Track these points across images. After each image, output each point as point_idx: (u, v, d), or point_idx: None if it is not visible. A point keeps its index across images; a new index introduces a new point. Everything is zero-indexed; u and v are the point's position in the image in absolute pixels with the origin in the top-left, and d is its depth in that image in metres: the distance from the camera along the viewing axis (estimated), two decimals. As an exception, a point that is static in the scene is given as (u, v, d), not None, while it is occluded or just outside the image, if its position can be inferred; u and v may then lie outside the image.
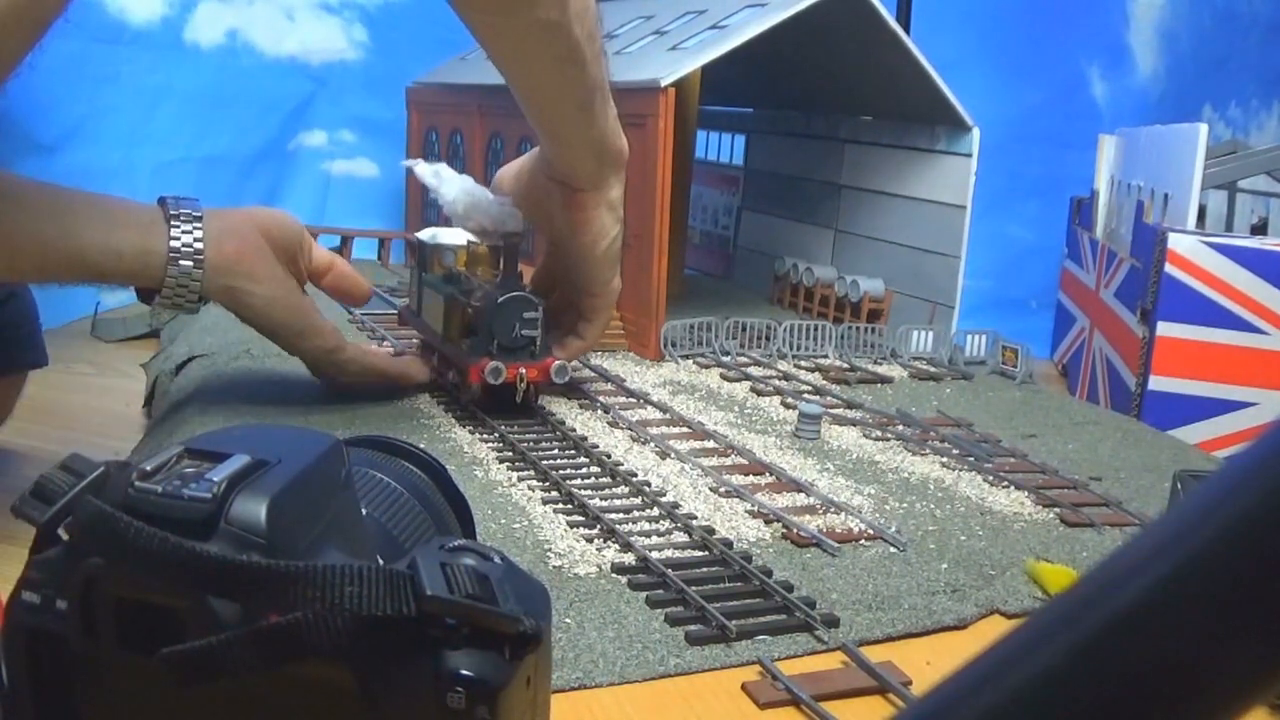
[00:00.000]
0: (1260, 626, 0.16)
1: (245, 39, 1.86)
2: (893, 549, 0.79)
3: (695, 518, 0.82)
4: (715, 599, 0.68)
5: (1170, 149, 1.40)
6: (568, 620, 0.65)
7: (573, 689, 0.59)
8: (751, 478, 0.92)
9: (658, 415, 1.09)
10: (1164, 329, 1.24)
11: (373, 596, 0.33)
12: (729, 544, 0.77)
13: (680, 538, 0.78)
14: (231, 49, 1.84)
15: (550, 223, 1.09)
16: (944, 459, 1.00)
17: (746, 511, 0.84)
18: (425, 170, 1.16)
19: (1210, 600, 0.17)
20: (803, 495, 0.89)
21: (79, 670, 0.35)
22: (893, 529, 0.82)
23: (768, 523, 0.82)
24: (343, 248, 1.86)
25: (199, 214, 0.91)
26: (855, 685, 0.61)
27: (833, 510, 0.86)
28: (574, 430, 1.01)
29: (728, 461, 0.96)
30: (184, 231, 0.89)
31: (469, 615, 0.34)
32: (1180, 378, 1.24)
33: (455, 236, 1.13)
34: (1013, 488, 0.94)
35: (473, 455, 0.94)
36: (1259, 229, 1.63)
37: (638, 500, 0.85)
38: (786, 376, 1.28)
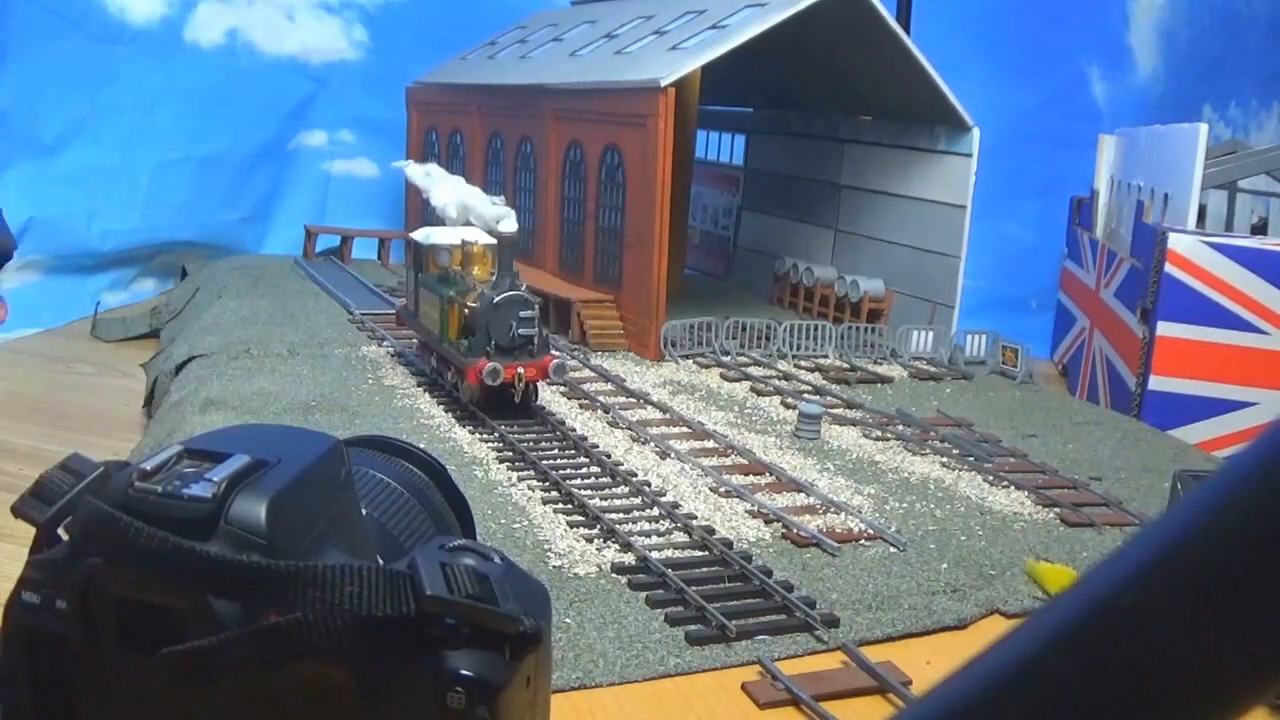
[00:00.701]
0: (1261, 627, 0.16)
1: (245, 39, 1.86)
2: (893, 549, 0.79)
3: (695, 518, 0.82)
4: (715, 599, 0.68)
5: (1170, 149, 1.40)
6: (568, 620, 0.65)
7: (573, 689, 0.59)
8: (751, 478, 0.92)
9: (658, 415, 1.09)
10: (1164, 329, 1.24)
11: (373, 596, 0.33)
12: (729, 544, 0.77)
13: (680, 538, 0.78)
14: (231, 49, 1.85)
15: None
16: (944, 459, 1.00)
17: (746, 511, 0.84)
18: (416, 171, 1.16)
19: (1211, 601, 0.17)
20: (803, 495, 0.89)
21: (79, 670, 0.35)
22: (893, 529, 0.82)
23: (768, 523, 0.82)
24: (343, 247, 1.86)
25: None
26: (855, 685, 0.61)
27: (833, 510, 0.86)
28: (574, 430, 1.01)
29: (728, 461, 0.96)
30: None
31: (469, 615, 0.33)
32: (1180, 377, 1.24)
33: (450, 236, 1.13)
34: (1013, 488, 0.94)
35: (473, 455, 0.94)
36: (1259, 229, 1.63)
37: (638, 500, 0.85)
38: (786, 376, 1.28)
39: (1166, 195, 1.37)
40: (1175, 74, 2.32)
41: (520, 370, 1.01)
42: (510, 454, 0.94)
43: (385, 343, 1.30)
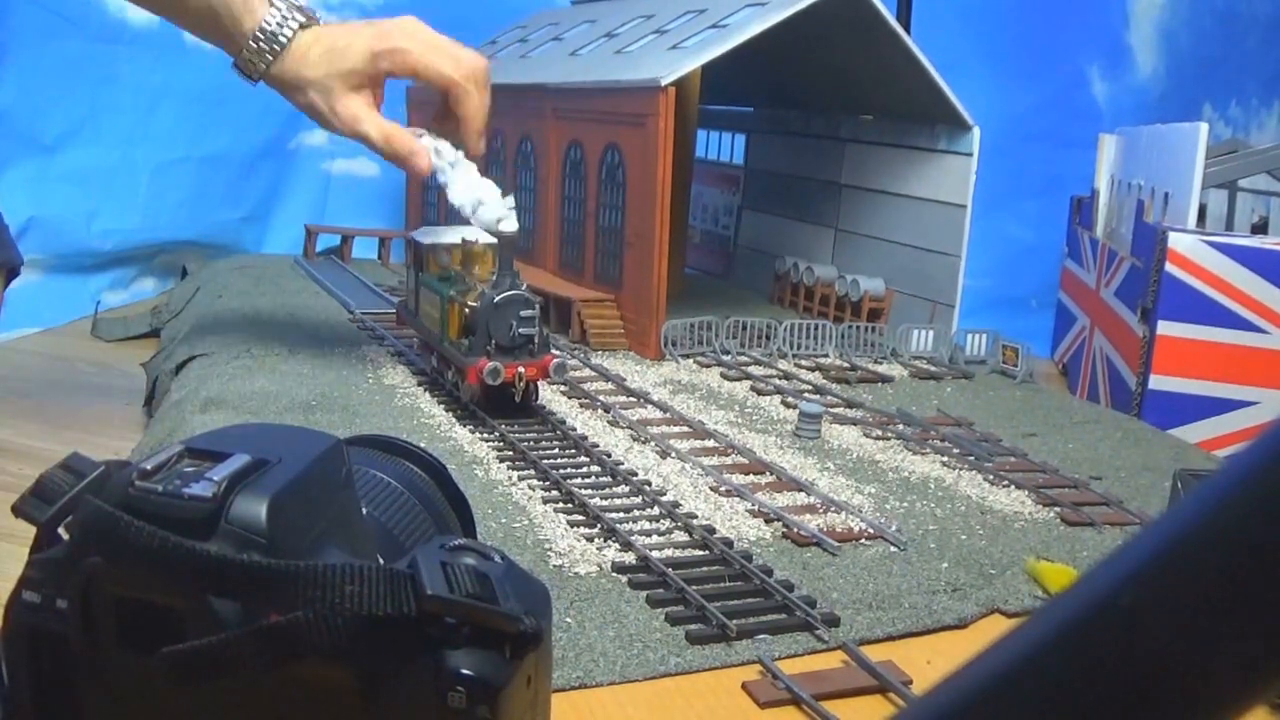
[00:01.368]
0: (1261, 626, 0.16)
1: (245, 38, 1.86)
2: (893, 548, 0.79)
3: (695, 517, 0.82)
4: (715, 598, 0.68)
5: (1170, 148, 1.40)
6: (568, 619, 0.65)
7: (573, 688, 0.59)
8: (752, 477, 0.92)
9: (658, 414, 1.09)
10: (1164, 328, 1.24)
11: (373, 596, 0.33)
12: (729, 543, 0.77)
13: (680, 537, 0.78)
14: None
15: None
16: (944, 458, 1.00)
17: (747, 511, 0.84)
18: (428, 144, 1.14)
19: (1211, 600, 0.17)
20: (803, 494, 0.89)
21: (79, 669, 0.35)
22: (893, 528, 0.82)
23: (768, 522, 0.82)
24: (343, 247, 1.86)
25: (304, 20, 1.04)
26: (856, 684, 0.61)
27: (833, 509, 0.86)
28: (574, 429, 1.01)
29: (728, 461, 0.96)
30: (280, 22, 1.03)
31: (469, 614, 0.33)
32: (1180, 377, 1.24)
33: (450, 235, 1.13)
34: (1013, 487, 0.94)
35: (473, 454, 0.94)
36: (1259, 228, 1.63)
37: (638, 499, 0.85)
38: (787, 376, 1.28)
39: (1167, 194, 1.37)
40: (1175, 73, 2.32)
41: (521, 370, 1.01)
42: (510, 453, 0.94)
43: (385, 342, 1.30)
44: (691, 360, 1.32)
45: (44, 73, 1.65)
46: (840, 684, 0.61)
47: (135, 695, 0.35)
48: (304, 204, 1.94)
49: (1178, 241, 1.24)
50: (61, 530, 0.35)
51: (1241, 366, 1.22)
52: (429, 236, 1.15)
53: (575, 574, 0.71)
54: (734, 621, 0.65)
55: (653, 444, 0.99)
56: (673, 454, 0.96)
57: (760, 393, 1.21)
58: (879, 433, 1.07)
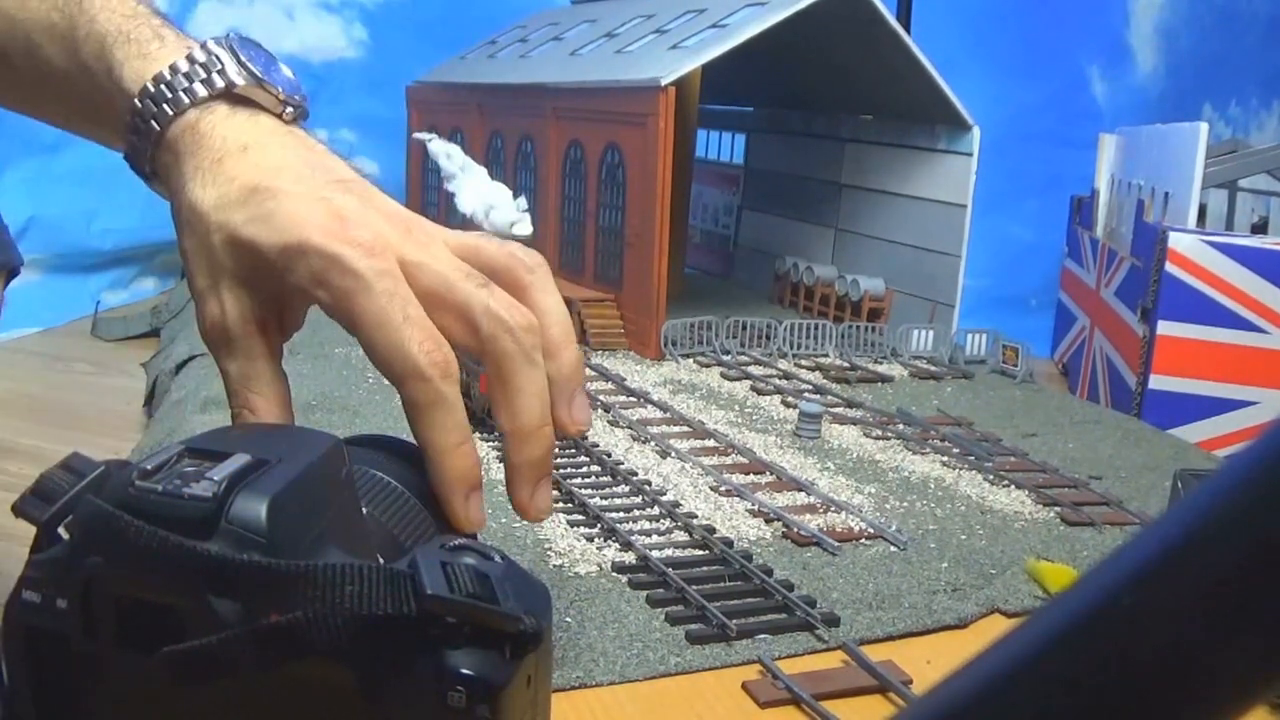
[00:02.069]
0: (1261, 626, 0.16)
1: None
2: (893, 548, 0.79)
3: (695, 516, 0.82)
4: (715, 598, 0.68)
5: (1170, 148, 1.40)
6: (568, 619, 0.65)
7: (573, 688, 0.59)
8: (752, 477, 0.92)
9: (658, 414, 1.09)
10: (1164, 328, 1.24)
11: (373, 596, 0.33)
12: (729, 543, 0.77)
13: (680, 536, 0.78)
14: (232, 48, 1.84)
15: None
16: (944, 458, 1.00)
17: (747, 510, 0.84)
18: (439, 149, 1.13)
19: (1212, 599, 0.17)
20: (803, 494, 0.89)
21: (79, 669, 0.35)
22: (893, 528, 0.82)
23: (768, 521, 0.82)
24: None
25: (246, 85, 0.57)
26: (856, 684, 0.61)
27: (833, 509, 0.86)
28: (574, 429, 1.01)
29: (728, 460, 0.96)
30: (199, 68, 0.57)
31: (470, 614, 0.34)
32: (1181, 376, 1.24)
33: None
34: (1013, 487, 0.94)
35: (473, 454, 0.94)
36: (1259, 228, 1.63)
37: (638, 499, 0.85)
38: (787, 375, 1.28)
39: (1167, 194, 1.37)
40: (1176, 73, 2.32)
41: None
42: (510, 453, 0.94)
43: (385, 342, 1.30)
44: (691, 360, 1.32)
45: (44, 72, 1.65)
46: (840, 684, 0.61)
47: (135, 695, 0.35)
48: (304, 204, 1.94)
49: (1178, 241, 1.23)
50: (61, 530, 0.35)
51: (1241, 366, 1.22)
52: None
53: (575, 574, 0.71)
54: (734, 621, 0.65)
55: (653, 444, 0.99)
56: (673, 454, 0.96)
57: (760, 392, 1.21)
58: (879, 432, 1.07)
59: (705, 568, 0.73)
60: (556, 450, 0.95)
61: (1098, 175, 1.70)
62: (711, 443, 1.01)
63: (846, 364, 1.35)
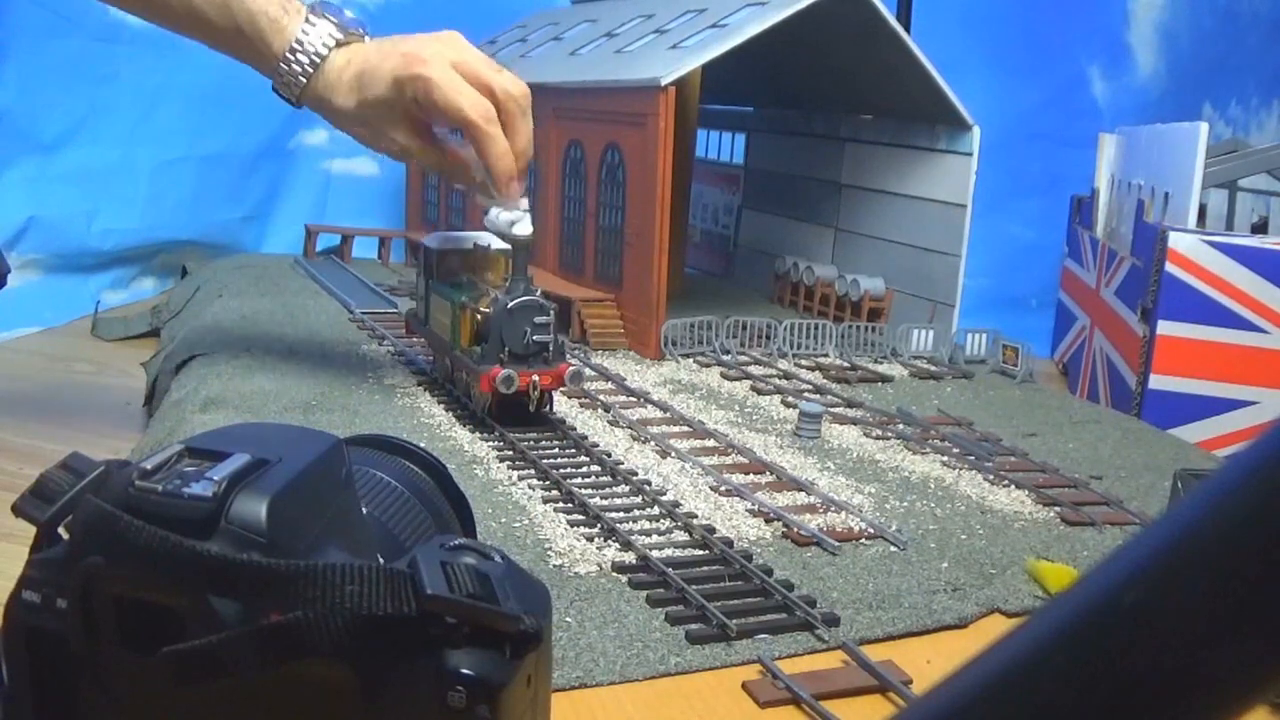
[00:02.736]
0: (1261, 625, 0.16)
1: (245, 38, 1.86)
2: (893, 548, 0.79)
3: (695, 516, 0.82)
4: (715, 598, 0.68)
5: (1171, 147, 1.40)
6: (568, 619, 0.65)
7: (573, 688, 0.59)
8: (752, 476, 0.92)
9: (658, 414, 1.09)
10: (1164, 328, 1.24)
11: (373, 595, 0.33)
12: (729, 543, 0.77)
13: (680, 536, 0.78)
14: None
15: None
16: (944, 458, 1.00)
17: (747, 510, 0.84)
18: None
19: (1211, 599, 0.17)
20: (803, 494, 0.89)
21: (79, 669, 0.35)
22: (893, 528, 0.82)
23: (768, 521, 0.82)
24: (343, 246, 1.86)
25: (342, 37, 1.00)
26: (856, 684, 0.61)
27: (833, 509, 0.86)
28: (574, 429, 1.01)
29: (728, 460, 0.96)
30: (314, 35, 0.99)
31: (469, 614, 0.33)
32: (1181, 376, 1.24)
33: (462, 241, 1.11)
34: (1013, 486, 0.94)
35: (473, 454, 0.94)
36: (1259, 228, 1.63)
37: (638, 499, 0.85)
38: (787, 375, 1.28)
39: (1167, 194, 1.37)
40: (1176, 72, 2.32)
41: (535, 378, 0.98)
42: (510, 453, 0.94)
43: (385, 342, 1.30)
44: (691, 360, 1.32)
45: (44, 72, 1.65)
46: (840, 684, 0.61)
47: (135, 695, 0.35)
48: (304, 203, 1.94)
49: (1178, 241, 1.24)
50: (61, 530, 0.35)
51: (1241, 366, 1.22)
52: (440, 242, 1.12)
53: (575, 574, 0.71)
54: (734, 621, 0.65)
55: (653, 443, 0.99)
56: (673, 453, 0.96)
57: (760, 392, 1.21)
58: (879, 432, 1.07)
59: (705, 568, 0.73)
60: (556, 450, 0.95)
61: (1098, 175, 1.70)
62: (711, 443, 1.01)
63: (846, 364, 1.35)
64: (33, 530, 0.36)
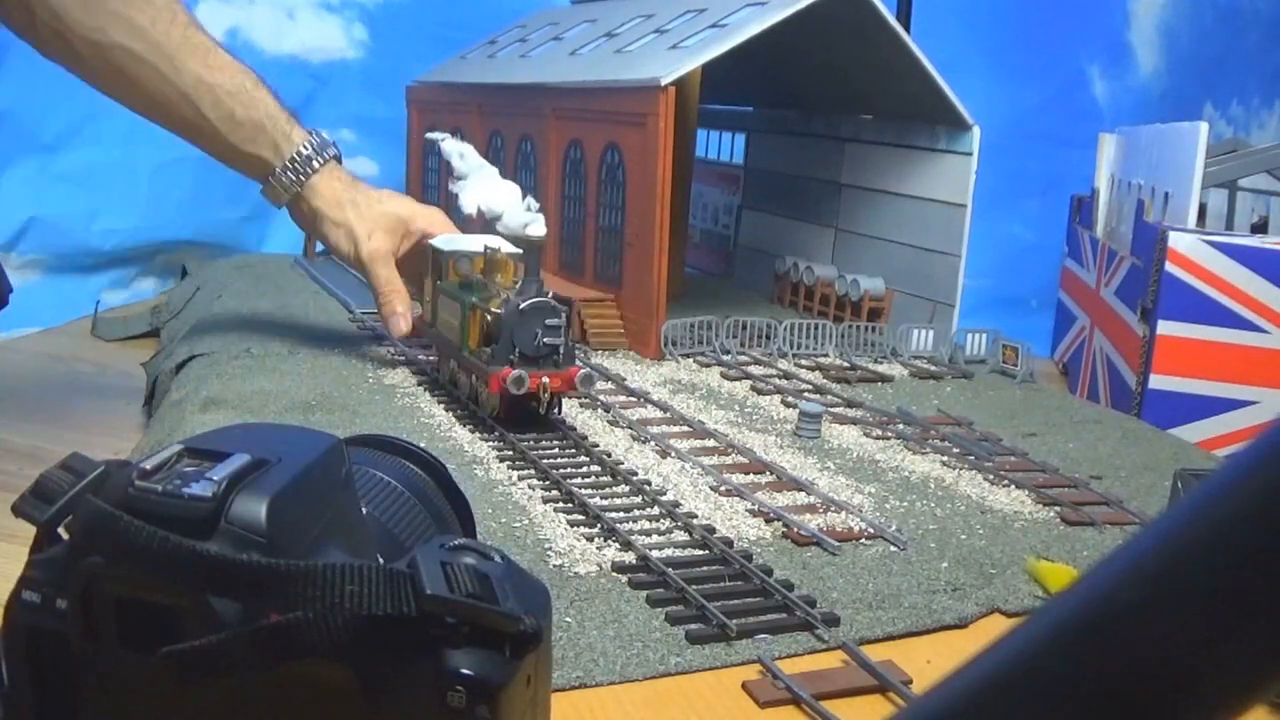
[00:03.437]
0: (1261, 625, 0.16)
1: (245, 38, 1.86)
2: (893, 548, 0.79)
3: (695, 516, 0.82)
4: (715, 598, 0.68)
5: (1171, 147, 1.40)
6: (568, 619, 0.65)
7: (573, 688, 0.59)
8: (752, 476, 0.92)
9: (658, 414, 1.09)
10: (1164, 327, 1.24)
11: (373, 595, 0.33)
12: (729, 543, 0.77)
13: (680, 536, 0.78)
14: (232, 48, 1.82)
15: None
16: (944, 458, 1.00)
17: (747, 510, 0.84)
18: (452, 149, 1.12)
19: (1212, 598, 0.17)
20: (803, 494, 0.89)
21: (79, 669, 0.35)
22: (893, 528, 0.82)
23: (768, 521, 0.82)
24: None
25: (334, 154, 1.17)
26: (856, 684, 0.61)
27: (833, 509, 0.86)
28: (574, 429, 1.01)
29: (728, 460, 0.96)
30: (315, 150, 1.14)
31: (469, 614, 0.33)
32: (1181, 376, 1.24)
33: (472, 243, 1.10)
34: (1013, 486, 0.94)
35: (473, 454, 0.94)
36: (1259, 228, 1.63)
37: (638, 499, 0.85)
38: (787, 375, 1.28)
39: (1167, 194, 1.37)
40: (1176, 72, 2.32)
41: (545, 380, 0.97)
42: (510, 453, 0.94)
43: (385, 342, 1.30)
44: (691, 360, 1.32)
45: (44, 73, 1.65)
46: (840, 684, 0.61)
47: (135, 695, 0.35)
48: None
49: (1178, 241, 1.24)
50: (61, 530, 0.35)
51: (1241, 366, 1.22)
52: (450, 244, 1.12)
53: (575, 574, 0.71)
54: (734, 621, 0.65)
55: (653, 443, 0.99)
56: (673, 453, 0.96)
57: (760, 392, 1.20)
58: (879, 432, 1.07)
59: (705, 568, 0.73)
60: (556, 450, 0.95)
61: (1098, 175, 1.70)
62: (711, 443, 1.01)
63: (846, 364, 1.35)
64: (33, 530, 0.36)
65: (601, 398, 1.12)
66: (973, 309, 1.54)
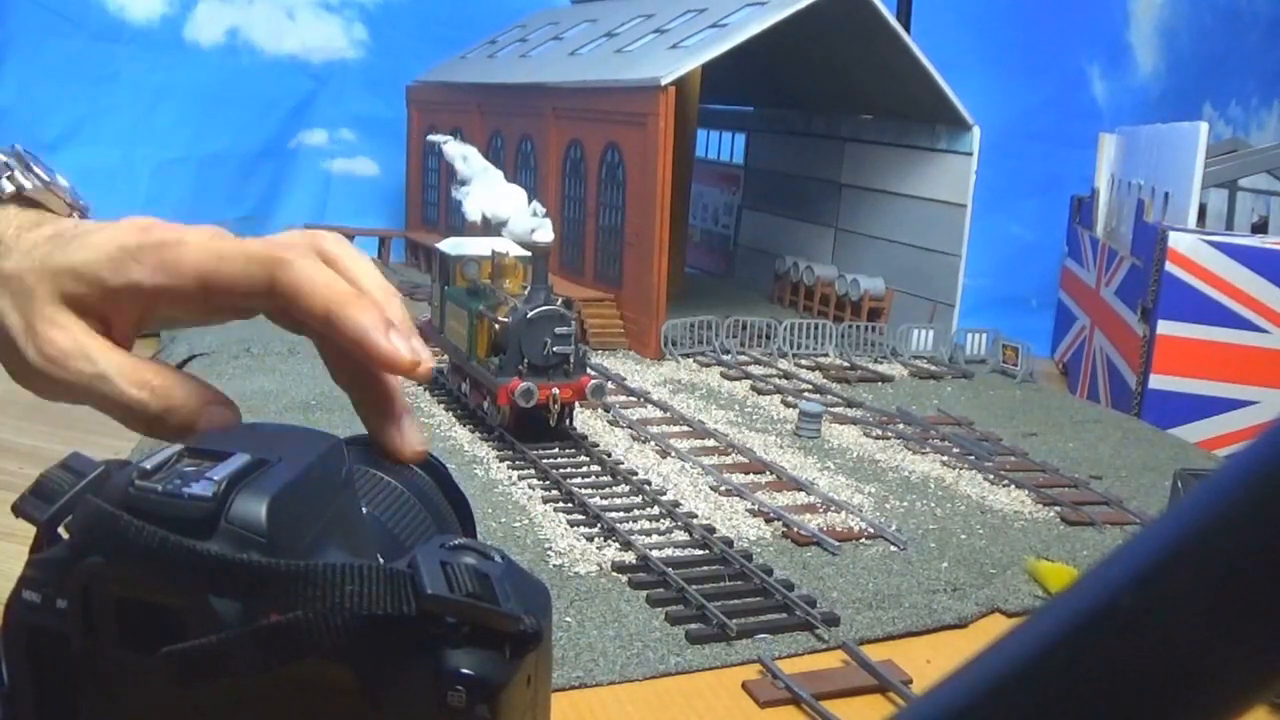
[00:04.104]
0: (1261, 625, 0.16)
1: (245, 38, 1.86)
2: (893, 547, 0.79)
3: (695, 516, 0.82)
4: (715, 598, 0.68)
5: (1170, 147, 1.40)
6: (568, 619, 0.65)
7: (573, 687, 0.59)
8: (752, 476, 0.92)
9: (658, 414, 1.09)
10: (1164, 327, 1.24)
11: (373, 595, 0.33)
12: (729, 543, 0.77)
13: (680, 536, 0.78)
14: (232, 48, 1.84)
15: None
16: (944, 457, 1.00)
17: (747, 510, 0.84)
18: (455, 151, 1.11)
19: (1211, 599, 0.17)
20: (803, 494, 0.89)
21: (79, 669, 0.35)
22: (893, 528, 0.82)
23: (768, 521, 0.82)
24: (343, 246, 1.86)
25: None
26: (855, 684, 0.61)
27: (833, 509, 0.86)
28: (574, 429, 1.00)
29: (728, 460, 0.96)
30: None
31: (469, 614, 0.33)
32: (1181, 376, 1.24)
33: (479, 247, 1.07)
34: (1013, 486, 0.94)
35: (473, 454, 0.94)
36: (1259, 227, 1.63)
37: (638, 499, 0.85)
38: (787, 375, 1.28)
39: (1167, 194, 1.37)
40: (1176, 72, 2.32)
41: (555, 391, 0.95)
42: (510, 453, 0.94)
43: (385, 342, 1.29)
44: (691, 360, 1.32)
45: (44, 72, 1.65)
46: (840, 683, 0.61)
47: (135, 695, 0.35)
48: (304, 203, 1.94)
49: (1178, 241, 1.23)
50: (61, 530, 0.35)
51: (1241, 366, 1.22)
52: (456, 248, 1.09)
53: (575, 573, 0.71)
54: (734, 621, 0.65)
55: (653, 443, 0.99)
56: (673, 453, 0.96)
57: (760, 392, 1.20)
58: (879, 432, 1.07)
59: (705, 567, 0.73)
60: (557, 450, 0.95)
61: (1098, 175, 1.70)
62: (711, 442, 1.01)
63: (846, 364, 1.35)
64: (33, 530, 0.36)
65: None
66: (973, 309, 1.54)
